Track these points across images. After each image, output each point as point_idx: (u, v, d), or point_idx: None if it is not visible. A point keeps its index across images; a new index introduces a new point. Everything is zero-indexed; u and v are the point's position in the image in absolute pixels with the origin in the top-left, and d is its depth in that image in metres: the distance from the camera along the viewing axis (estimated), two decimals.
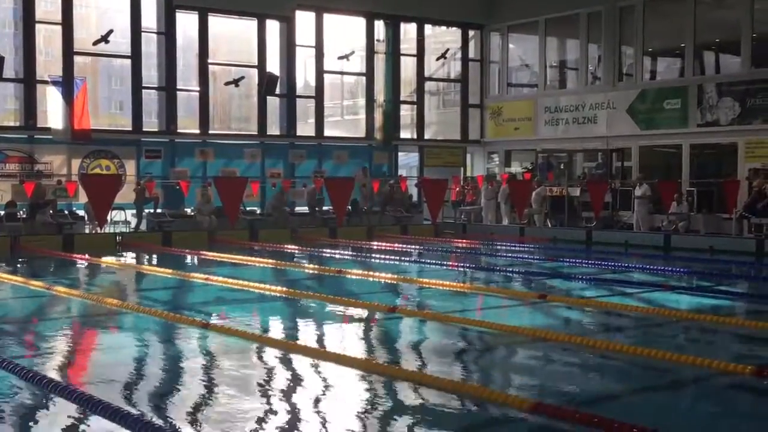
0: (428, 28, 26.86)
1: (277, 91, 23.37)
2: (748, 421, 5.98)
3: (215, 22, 23.14)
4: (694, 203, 20.25)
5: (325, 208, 22.05)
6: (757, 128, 20.29)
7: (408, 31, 26.40)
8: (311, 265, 15.29)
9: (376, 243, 19.07)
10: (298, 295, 11.00)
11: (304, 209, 22.58)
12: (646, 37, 22.83)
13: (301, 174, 23.15)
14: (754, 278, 14.54)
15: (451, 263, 15.97)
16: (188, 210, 20.98)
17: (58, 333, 9.10)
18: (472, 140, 26.96)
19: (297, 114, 24.23)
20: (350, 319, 9.69)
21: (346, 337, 8.85)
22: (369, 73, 25.35)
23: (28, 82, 20.51)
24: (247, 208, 21.32)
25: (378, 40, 25.34)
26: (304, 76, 25.83)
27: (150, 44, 22.35)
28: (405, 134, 26.29)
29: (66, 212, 19.32)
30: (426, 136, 26.58)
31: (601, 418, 5.28)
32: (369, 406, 6.13)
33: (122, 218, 20.40)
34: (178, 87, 22.43)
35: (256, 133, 23.59)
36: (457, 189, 24.44)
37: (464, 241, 20.21)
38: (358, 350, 7.99)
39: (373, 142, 25.16)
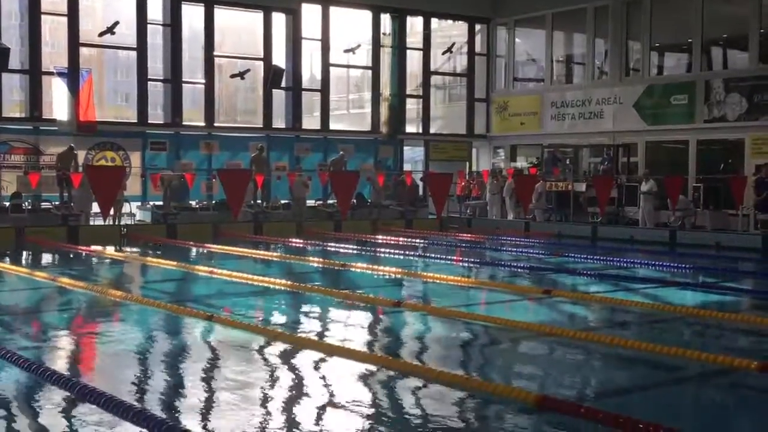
0: (434, 22, 26.81)
1: (283, 84, 23.36)
2: (752, 417, 5.96)
3: (221, 14, 23.14)
4: (701, 199, 20.18)
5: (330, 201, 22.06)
6: (764, 124, 20.21)
7: (414, 24, 26.34)
8: (316, 259, 15.27)
9: (381, 237, 19.05)
10: (303, 288, 10.99)
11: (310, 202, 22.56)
12: (653, 32, 22.74)
13: (306, 167, 23.11)
14: (760, 274, 14.49)
15: (455, 258, 15.94)
16: (193, 202, 21.00)
17: (62, 324, 9.12)
18: (477, 135, 26.91)
19: (302, 107, 24.23)
20: (354, 313, 9.67)
21: (350, 331, 8.83)
22: (375, 67, 25.31)
23: (34, 73, 20.51)
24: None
25: (384, 34, 25.30)
26: (310, 69, 25.80)
27: (156, 36, 22.35)
28: (411, 128, 26.26)
29: (72, 204, 19.31)
30: (432, 131, 26.55)
31: (605, 413, 5.25)
32: (373, 400, 6.12)
33: (127, 210, 20.39)
34: (183, 79, 22.44)
35: (261, 125, 23.58)
36: (463, 183, 24.39)
37: (469, 235, 20.18)
38: (362, 344, 7.97)
39: (378, 135, 25.14)
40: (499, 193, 22.80)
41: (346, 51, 24.87)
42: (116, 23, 21.24)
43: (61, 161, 18.97)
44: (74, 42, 20.93)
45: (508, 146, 26.79)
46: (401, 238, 18.68)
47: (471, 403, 6.03)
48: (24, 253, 16.32)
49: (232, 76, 23.75)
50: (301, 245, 17.38)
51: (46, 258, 15.89)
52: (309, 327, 9.10)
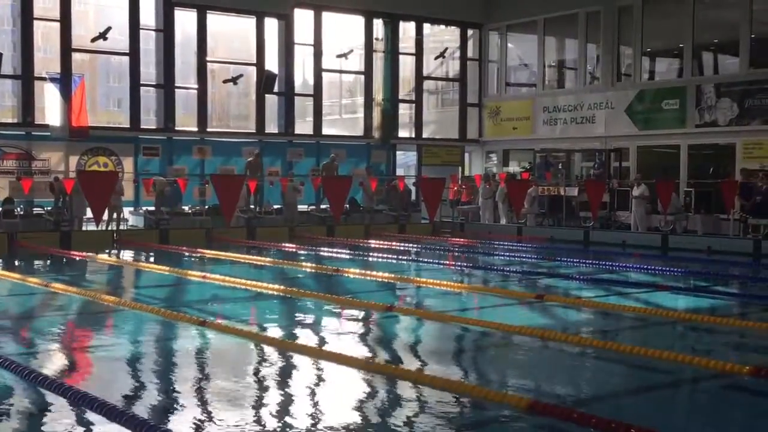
0: (427, 27, 26.88)
1: (276, 89, 23.37)
2: (745, 421, 5.98)
3: (214, 19, 23.14)
4: (692, 203, 20.25)
5: (323, 206, 22.06)
6: (755, 129, 20.30)
7: (407, 29, 26.40)
8: (308, 264, 15.27)
9: (373, 241, 19.06)
10: (295, 293, 10.98)
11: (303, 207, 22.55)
12: (644, 37, 22.84)
13: (299, 172, 23.11)
14: (752, 278, 14.54)
15: (448, 262, 15.96)
16: (186, 207, 20.98)
17: (55, 330, 9.08)
18: (470, 139, 26.96)
19: (295, 112, 24.24)
20: (347, 318, 9.68)
21: (343, 336, 8.83)
22: (367, 72, 25.34)
23: (26, 78, 20.48)
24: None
25: (377, 39, 25.34)
26: (303, 74, 25.83)
27: (148, 41, 22.34)
28: (403, 133, 26.29)
29: (65, 210, 19.27)
30: (424, 135, 26.58)
31: (598, 417, 5.27)
32: (365, 405, 6.12)
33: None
34: (176, 84, 22.44)
35: (254, 131, 23.58)
36: (455, 188, 24.43)
37: (462, 240, 20.20)
38: (354, 349, 7.97)
39: (371, 140, 25.16)
40: (491, 198, 22.84)
41: (339, 56, 24.90)
42: (109, 29, 21.22)
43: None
44: (67, 47, 20.91)
45: (500, 151, 26.85)
46: (394, 243, 18.70)
47: (463, 407, 6.04)
48: (16, 258, 16.26)
49: (225, 81, 23.74)
50: (294, 250, 17.38)
51: (39, 263, 15.85)
52: (301, 332, 9.09)
